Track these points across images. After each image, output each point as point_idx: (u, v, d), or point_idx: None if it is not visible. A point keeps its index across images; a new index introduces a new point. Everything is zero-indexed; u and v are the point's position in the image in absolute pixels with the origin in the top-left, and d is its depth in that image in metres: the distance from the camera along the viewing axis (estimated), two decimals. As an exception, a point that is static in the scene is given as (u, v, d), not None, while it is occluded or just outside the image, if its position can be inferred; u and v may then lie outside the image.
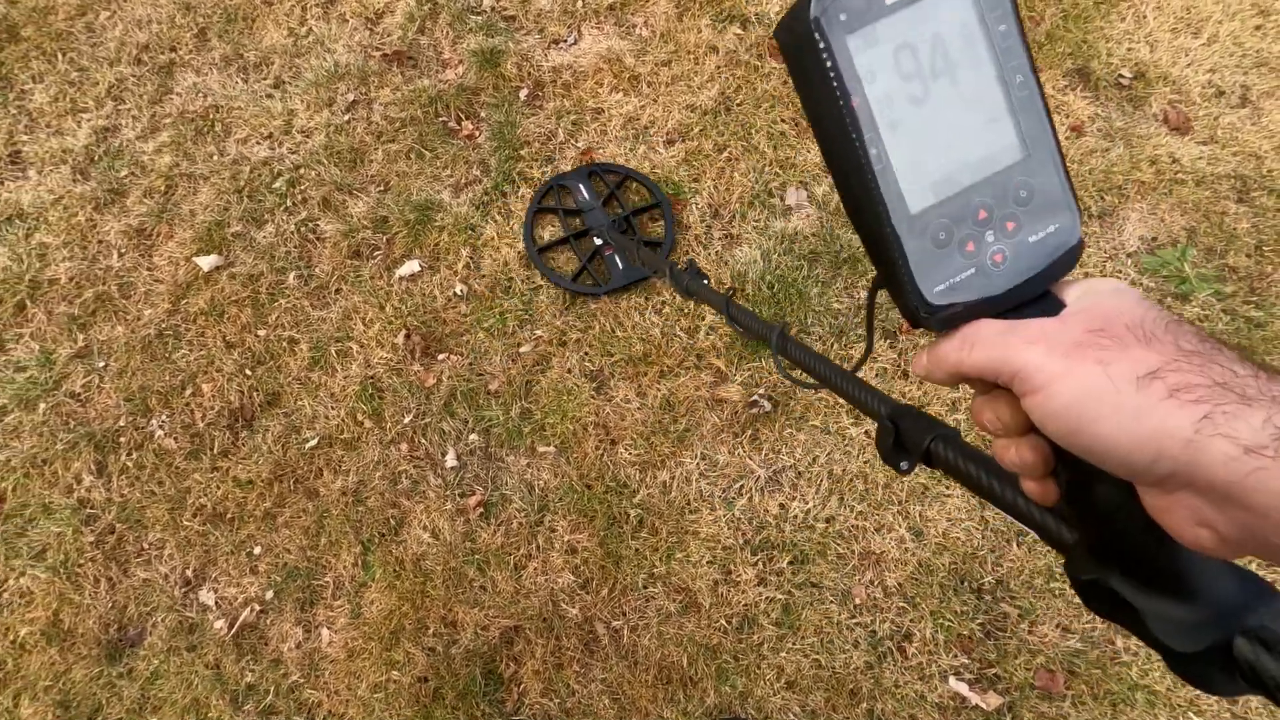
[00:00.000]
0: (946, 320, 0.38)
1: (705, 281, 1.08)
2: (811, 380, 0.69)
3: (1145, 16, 2.09)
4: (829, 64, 0.35)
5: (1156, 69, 2.02)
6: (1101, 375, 0.31)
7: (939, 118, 0.37)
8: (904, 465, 0.50)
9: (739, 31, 2.13)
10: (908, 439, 0.49)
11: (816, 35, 0.35)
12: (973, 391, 0.39)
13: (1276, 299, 1.75)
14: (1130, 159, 1.91)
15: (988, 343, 0.35)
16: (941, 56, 0.36)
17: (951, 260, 0.38)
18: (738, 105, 2.03)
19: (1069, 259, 0.38)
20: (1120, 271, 1.81)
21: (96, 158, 1.99)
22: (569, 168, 1.95)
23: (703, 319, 1.79)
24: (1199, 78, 2.00)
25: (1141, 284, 1.79)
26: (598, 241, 1.84)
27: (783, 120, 2.00)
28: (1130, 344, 0.31)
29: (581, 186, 1.90)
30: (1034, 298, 0.38)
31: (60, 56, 2.12)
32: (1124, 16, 2.09)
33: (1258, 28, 2.05)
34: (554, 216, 1.91)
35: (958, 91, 0.37)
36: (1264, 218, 1.83)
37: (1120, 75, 2.02)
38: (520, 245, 1.87)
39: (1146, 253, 1.83)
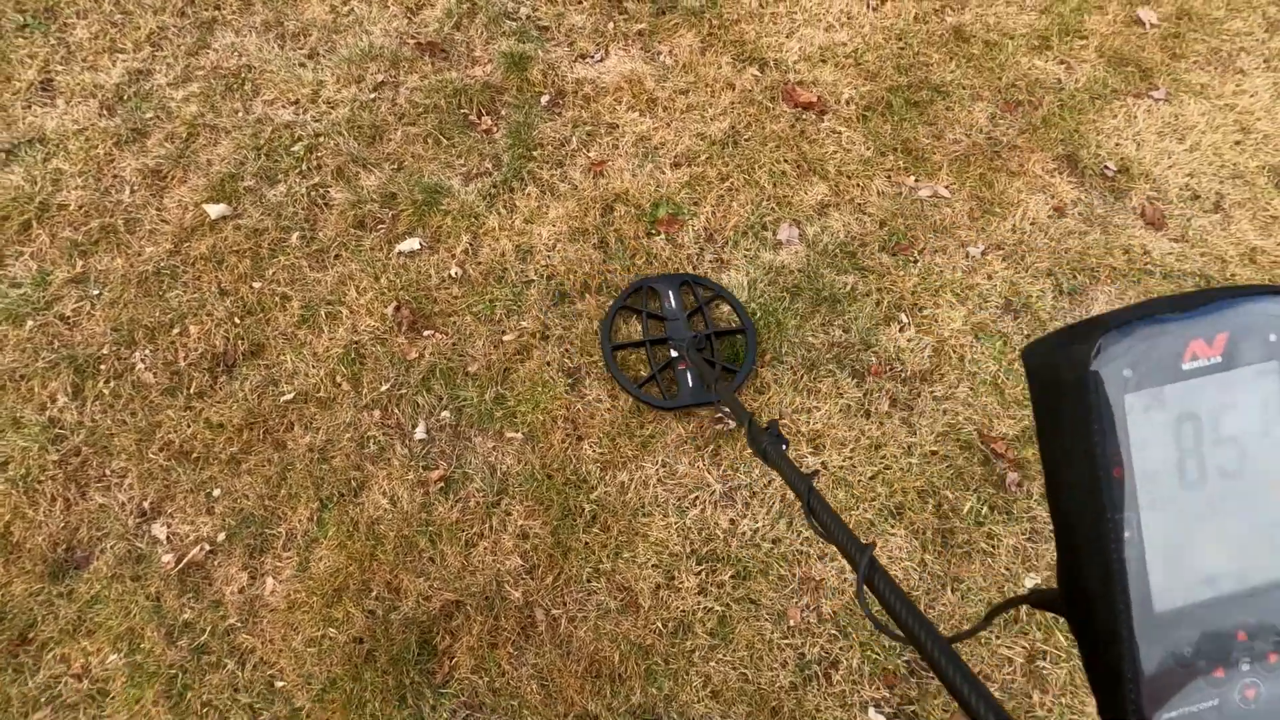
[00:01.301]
0: None
1: (785, 448, 0.97)
2: (897, 631, 0.55)
3: (1135, 117, 2.22)
4: (1095, 423, 0.30)
5: (1140, 166, 2.14)
6: None
7: (1212, 507, 0.31)
8: None
9: (756, 73, 2.24)
10: None
11: (1090, 386, 0.30)
12: None
13: (1224, 393, 1.84)
14: (1105, 244, 2.02)
15: None
16: (1230, 438, 0.31)
17: (1191, 684, 0.31)
18: (745, 140, 2.13)
19: None
20: (1082, 347, 1.90)
21: (125, 97, 2.05)
22: (658, 270, 1.91)
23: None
24: (1178, 180, 2.13)
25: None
26: (673, 354, 1.78)
27: (785, 161, 2.10)
28: None
29: (670, 294, 1.85)
30: None
31: (108, -2, 2.20)
32: (1116, 114, 2.22)
33: (1237, 143, 2.19)
34: (635, 317, 1.86)
35: (1242, 482, 0.31)
36: (1222, 317, 1.94)
37: (1106, 166, 2.14)
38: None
39: (1109, 333, 1.92)
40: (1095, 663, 0.33)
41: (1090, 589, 0.32)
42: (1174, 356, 0.31)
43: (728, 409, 1.39)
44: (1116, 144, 2.18)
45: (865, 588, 0.60)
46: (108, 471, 1.66)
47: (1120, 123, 2.22)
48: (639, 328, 1.86)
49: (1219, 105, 2.25)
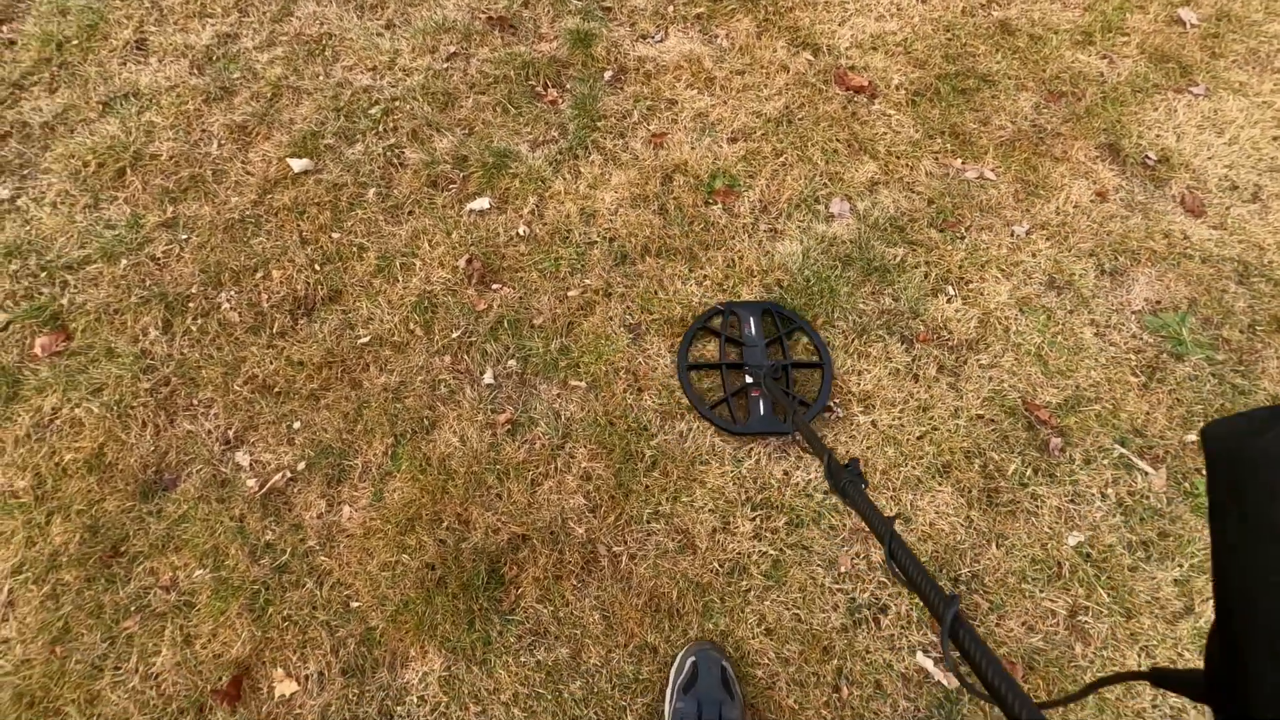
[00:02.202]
0: None
1: (865, 487, 0.92)
2: (981, 690, 0.52)
3: (1176, 110, 2.30)
4: None
5: (1180, 156, 2.22)
6: None
7: None
8: None
9: (810, 57, 2.34)
10: None
11: None
12: None
13: (1262, 373, 1.90)
14: (1146, 229, 2.09)
15: None
16: None
17: None
18: (799, 120, 2.22)
19: None
20: (1123, 325, 1.97)
21: (214, 58, 2.17)
22: (744, 295, 1.92)
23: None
24: (1217, 170, 2.20)
25: (1141, 338, 1.94)
26: (748, 380, 1.80)
27: (837, 140, 2.19)
28: None
29: (751, 320, 1.86)
30: None
31: (198, -34, 2.32)
32: (1157, 107, 2.30)
33: (1275, 138, 2.26)
34: (713, 339, 1.89)
35: None
36: (1260, 301, 2.00)
37: (1146, 156, 2.22)
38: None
39: (1149, 313, 1.99)
40: None
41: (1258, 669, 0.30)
42: None
43: (804, 441, 1.34)
44: (1157, 135, 2.26)
45: (950, 641, 0.57)
46: (195, 401, 1.75)
47: (1161, 115, 2.29)
48: (718, 356, 1.85)
49: (1257, 102, 2.32)
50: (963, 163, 2.20)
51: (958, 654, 0.55)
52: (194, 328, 1.82)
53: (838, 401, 1.83)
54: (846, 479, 0.94)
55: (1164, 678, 0.34)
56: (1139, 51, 2.40)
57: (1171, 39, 2.42)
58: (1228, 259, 2.07)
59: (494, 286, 1.92)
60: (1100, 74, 2.36)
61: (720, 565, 1.65)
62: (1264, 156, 2.23)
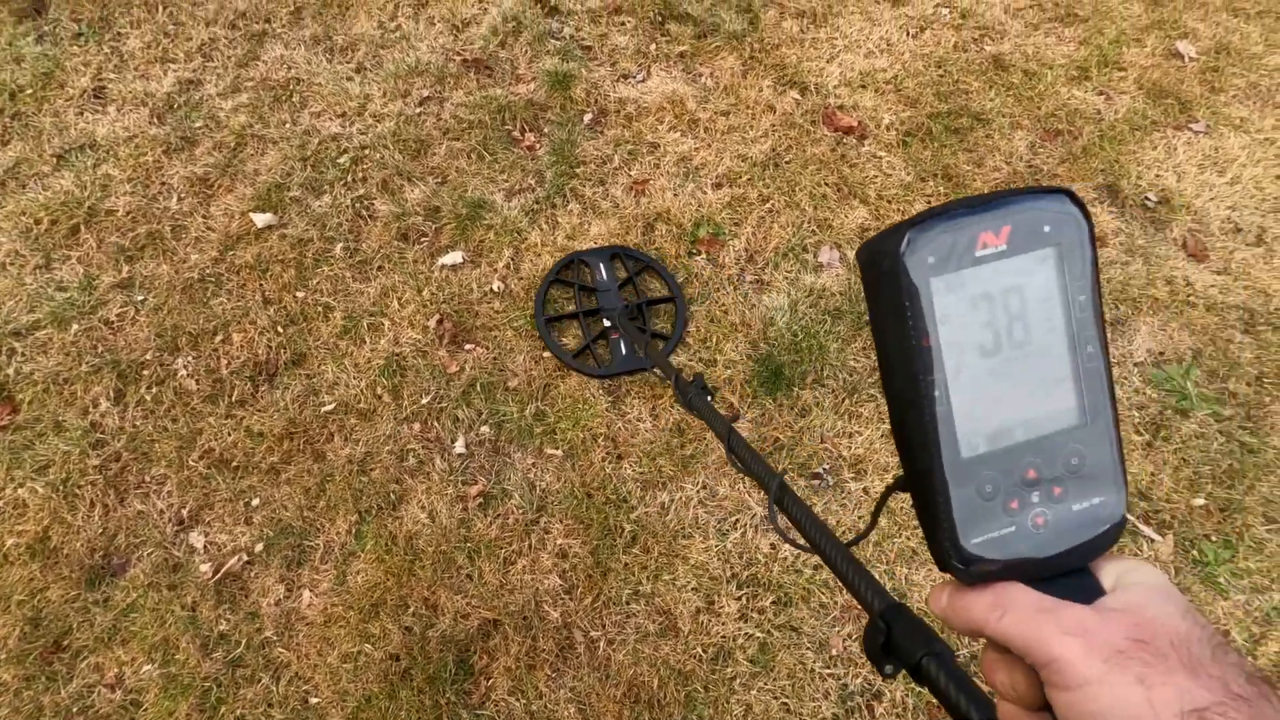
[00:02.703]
0: (978, 575, 0.37)
1: (710, 399, 1.08)
2: (805, 543, 0.64)
3: (1176, 149, 2.22)
4: (907, 302, 0.36)
5: (1181, 198, 2.14)
6: (1142, 697, 0.30)
7: (1005, 370, 0.37)
8: (889, 669, 0.46)
9: (797, 96, 2.26)
10: (898, 645, 0.46)
11: (901, 271, 0.36)
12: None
13: (1271, 429, 1.82)
14: (1147, 275, 2.01)
15: (1022, 617, 0.35)
16: (1018, 313, 0.37)
17: (994, 514, 0.37)
18: (786, 163, 2.14)
19: (1110, 536, 0.38)
20: (1126, 379, 1.88)
21: (175, 106, 2.08)
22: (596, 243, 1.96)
23: (722, 353, 1.85)
24: (1219, 212, 2.12)
25: (1145, 393, 1.86)
26: (606, 324, 1.84)
27: (825, 184, 2.10)
28: (1175, 667, 0.30)
29: (601, 266, 1.91)
30: (1070, 570, 0.38)
31: (161, 8, 2.24)
32: (1156, 145, 2.22)
33: (1278, 177, 2.18)
34: (568, 290, 1.91)
35: (1028, 349, 0.37)
36: (1267, 351, 1.92)
37: (1146, 197, 2.14)
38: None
39: (1153, 365, 1.91)
40: (921, 508, 0.39)
41: (911, 438, 0.38)
42: (968, 246, 0.36)
43: (658, 370, 1.47)
44: (1157, 175, 2.18)
45: (776, 509, 0.69)
46: (147, 478, 1.65)
47: (1160, 154, 2.21)
48: (574, 306, 1.89)
49: (1259, 139, 2.25)
50: (956, 207, 2.11)
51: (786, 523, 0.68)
52: (148, 397, 1.72)
53: (828, 468, 1.74)
54: (693, 392, 1.08)
55: (901, 483, 0.42)
56: (1137, 87, 2.32)
57: (1170, 73, 2.35)
58: (1232, 307, 1.98)
59: (466, 347, 1.83)
60: (1097, 111, 2.28)
61: (704, 650, 1.55)
62: (1267, 196, 2.15)
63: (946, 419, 0.37)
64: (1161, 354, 1.93)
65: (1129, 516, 1.76)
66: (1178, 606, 0.33)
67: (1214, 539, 1.70)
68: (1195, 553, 1.69)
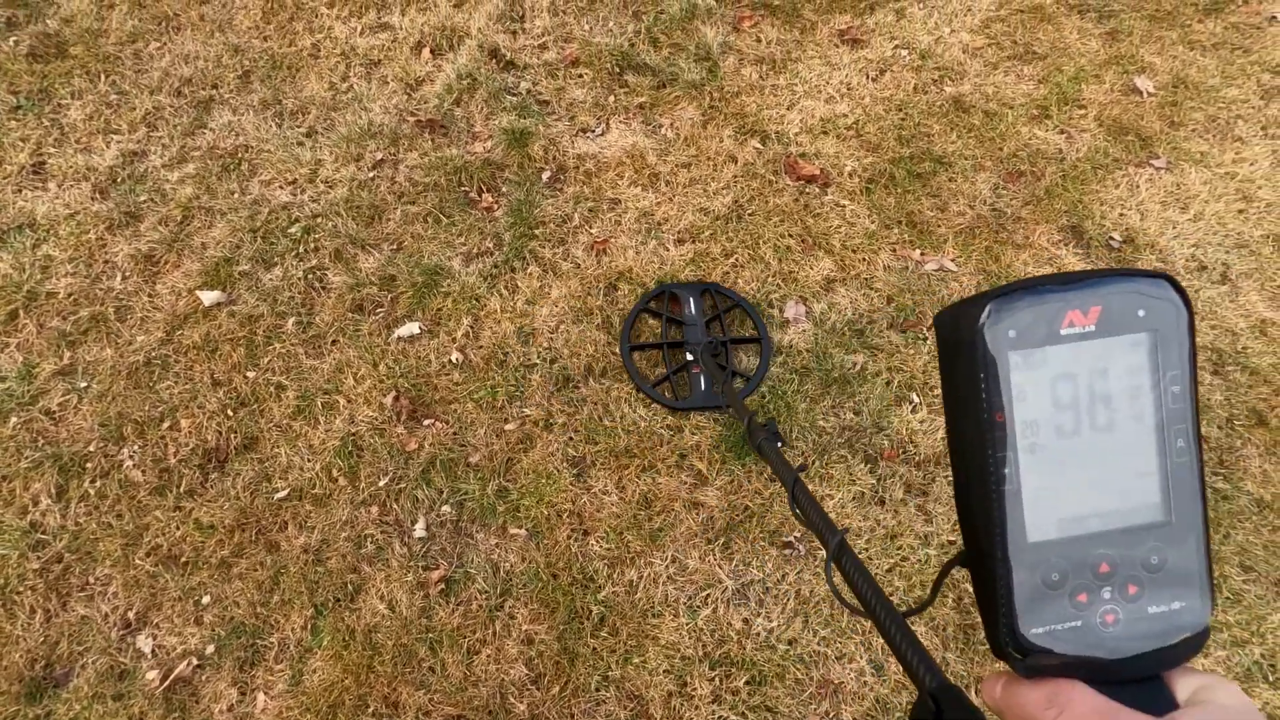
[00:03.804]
0: (1036, 667, 0.35)
1: (780, 446, 1.08)
2: (859, 606, 0.62)
3: (1138, 186, 2.22)
4: (983, 374, 0.35)
5: (1145, 236, 2.13)
6: None
7: (1084, 454, 0.36)
8: None
9: (759, 146, 2.23)
10: None
11: (980, 342, 0.35)
12: None
13: (1244, 475, 1.80)
14: (1115, 318, 1.99)
15: (1078, 718, 0.32)
16: (1103, 397, 0.35)
17: (1059, 605, 0.35)
18: (749, 215, 2.11)
19: (1189, 646, 0.35)
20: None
21: (119, 179, 2.02)
22: (683, 277, 1.98)
23: (689, 418, 1.81)
24: (1184, 250, 2.11)
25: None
26: (689, 357, 1.84)
27: (789, 236, 2.08)
28: None
29: (691, 300, 1.92)
30: (1140, 678, 0.35)
31: (103, 78, 2.18)
32: (1118, 184, 2.22)
33: (1240, 211, 2.19)
34: (655, 320, 1.92)
35: (1111, 435, 0.36)
36: (1236, 392, 1.90)
37: (1111, 237, 2.13)
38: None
39: (1124, 411, 1.88)
40: (980, 589, 0.37)
41: (975, 519, 0.36)
42: (1053, 323, 0.35)
43: (733, 413, 1.46)
44: (1120, 214, 2.17)
45: (834, 567, 0.67)
46: (91, 580, 1.58)
47: (1123, 192, 2.21)
48: (660, 336, 1.90)
49: (1220, 174, 2.25)
50: (921, 253, 2.09)
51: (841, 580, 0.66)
52: (92, 492, 1.65)
53: (799, 536, 1.70)
54: (764, 437, 1.08)
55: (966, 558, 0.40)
56: (1097, 124, 2.32)
57: (1129, 109, 2.35)
58: (1202, 348, 1.97)
59: (425, 422, 1.78)
60: (1059, 150, 2.27)
61: (677, 738, 1.50)
62: (1230, 232, 2.15)
63: (1015, 499, 0.35)
64: (1132, 399, 1.91)
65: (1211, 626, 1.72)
66: None
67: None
68: (1174, 607, 1.66)
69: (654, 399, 1.79)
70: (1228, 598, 1.66)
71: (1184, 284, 2.05)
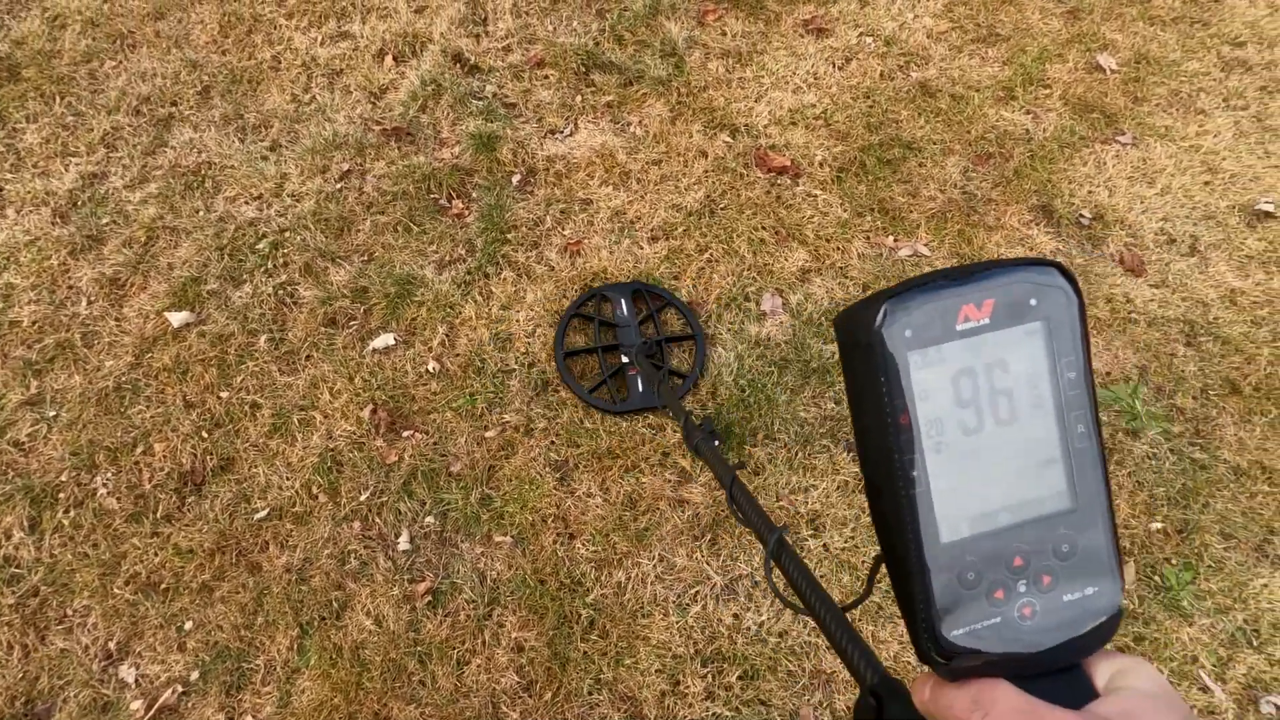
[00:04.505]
0: (959, 670, 0.35)
1: (716, 445, 1.08)
2: (798, 604, 0.61)
3: (1105, 163, 2.24)
4: (883, 377, 0.34)
5: (1114, 212, 2.15)
6: None
7: (989, 450, 0.35)
8: None
9: (728, 140, 2.23)
10: None
11: (877, 344, 0.34)
12: None
13: (1221, 443, 1.82)
14: (1088, 294, 2.01)
15: (1001, 718, 0.32)
16: (1003, 390, 0.35)
17: (978, 604, 0.35)
18: (722, 209, 2.11)
19: (1105, 630, 0.36)
20: (1075, 403, 1.87)
21: (80, 203, 1.98)
22: (613, 279, 1.96)
23: (668, 416, 1.80)
24: (1153, 224, 2.13)
25: (1095, 417, 1.85)
26: (624, 360, 1.83)
27: (763, 228, 2.08)
28: None
29: (623, 301, 1.91)
30: (1062, 668, 0.35)
31: (58, 100, 2.14)
32: (1086, 161, 2.24)
33: (1206, 183, 2.21)
34: (588, 324, 1.91)
35: (1014, 427, 0.35)
36: (1209, 362, 1.93)
37: (1081, 215, 2.15)
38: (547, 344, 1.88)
39: (1101, 387, 1.90)
40: (900, 594, 0.36)
41: (887, 520, 0.36)
42: (948, 319, 0.34)
43: (670, 413, 1.46)
44: (1089, 191, 2.19)
45: (773, 564, 0.66)
46: (69, 611, 1.55)
47: (1091, 170, 2.23)
48: (593, 341, 1.88)
49: (1184, 147, 2.27)
50: (895, 240, 2.10)
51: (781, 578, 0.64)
52: (66, 522, 1.62)
53: (785, 526, 1.70)
54: (700, 437, 1.08)
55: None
56: (1062, 103, 2.34)
57: (1093, 87, 2.37)
58: (1173, 320, 1.99)
59: (404, 433, 1.76)
60: (1026, 131, 2.29)
61: (672, 737, 1.50)
62: (1197, 204, 2.18)
63: (925, 501, 0.35)
64: (1108, 374, 1.93)
65: (1125, 607, 1.74)
66: (1175, 717, 0.31)
67: (1174, 562, 1.70)
68: (1157, 579, 1.68)
69: (594, 405, 1.78)
70: (1209, 566, 1.68)
71: (1154, 258, 2.08)
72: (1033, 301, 0.35)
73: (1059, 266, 0.35)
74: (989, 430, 0.35)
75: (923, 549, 0.35)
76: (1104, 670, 0.35)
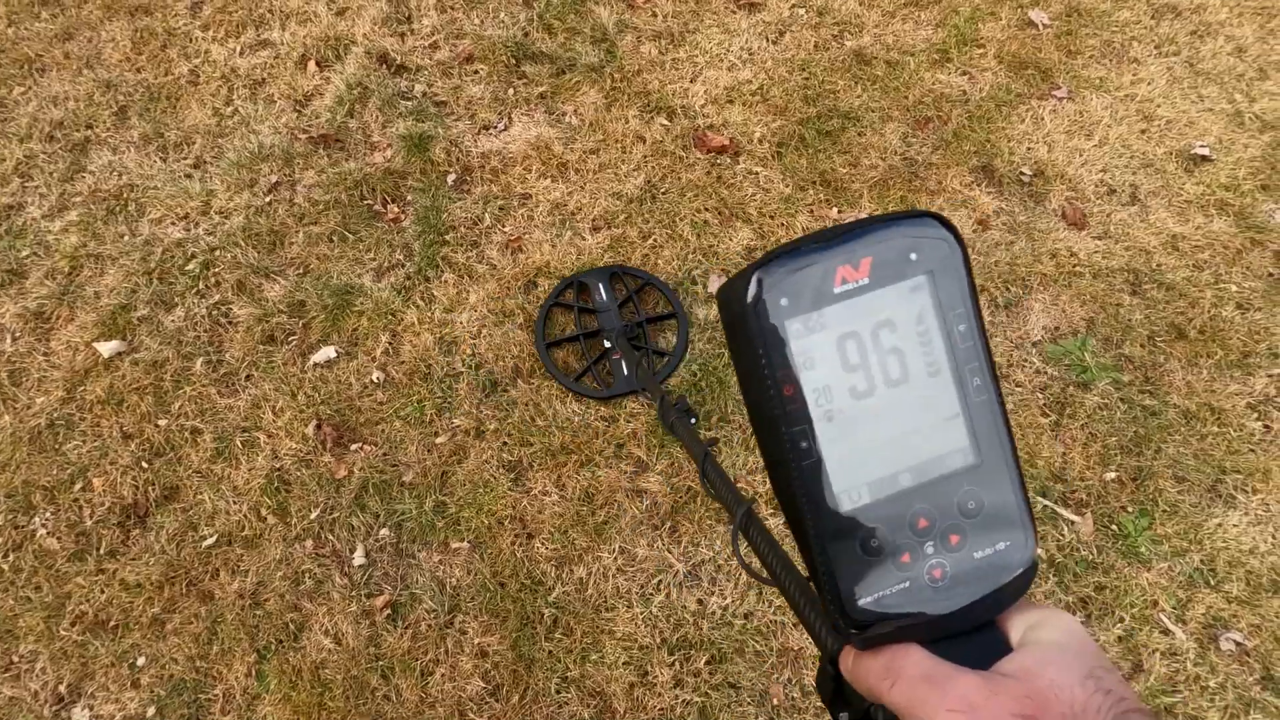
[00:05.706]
0: (872, 639, 0.34)
1: (692, 422, 1.07)
2: (765, 575, 0.60)
3: (1042, 119, 2.24)
4: (761, 349, 0.33)
5: (1054, 167, 2.15)
6: None
7: (883, 413, 0.34)
8: (843, 716, 0.42)
9: (665, 123, 2.20)
10: (851, 693, 0.41)
11: (751, 316, 0.33)
12: None
13: (1169, 389, 1.84)
14: (1032, 252, 2.02)
15: (909, 688, 0.31)
16: (892, 349, 0.34)
17: (884, 570, 0.34)
18: (663, 194, 2.08)
19: (1019, 584, 0.35)
20: (1025, 361, 1.88)
21: (-3, 236, 1.91)
22: (591, 265, 1.94)
23: (623, 406, 1.79)
24: (1092, 177, 2.14)
25: (1046, 372, 1.86)
26: (607, 344, 1.82)
27: (706, 210, 2.06)
28: None
29: (601, 286, 1.89)
30: (979, 626, 0.34)
31: (-33, 131, 2.06)
32: (1023, 119, 2.24)
33: (1143, 131, 2.22)
34: (569, 312, 1.88)
35: (907, 388, 0.34)
36: (1155, 310, 1.94)
37: (1021, 173, 2.15)
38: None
39: (1050, 341, 1.91)
40: (809, 565, 0.35)
41: (786, 498, 0.35)
42: (824, 282, 0.33)
43: (647, 393, 1.44)
44: (1028, 148, 2.19)
45: (741, 536, 0.66)
46: (15, 658, 1.51)
47: (1029, 126, 2.23)
48: (575, 328, 1.86)
49: (1120, 97, 2.28)
50: (839, 211, 2.09)
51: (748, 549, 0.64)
52: (5, 567, 1.57)
53: (755, 498, 1.69)
54: (675, 415, 1.07)
55: None
56: (997, 62, 2.33)
57: (1026, 44, 2.37)
58: (1118, 270, 2.00)
59: (353, 446, 1.73)
60: (963, 92, 2.28)
61: (643, 728, 1.49)
62: (1135, 154, 2.19)
63: (819, 471, 0.34)
64: (1057, 329, 1.94)
65: (1040, 555, 1.74)
66: (1081, 669, 0.30)
67: (1130, 510, 1.71)
68: (1114, 527, 1.70)
69: (580, 393, 1.77)
70: (1164, 510, 1.70)
71: (1095, 210, 2.09)
72: (913, 255, 0.34)
73: (937, 216, 0.34)
74: (881, 392, 0.34)
75: (821, 520, 0.34)
76: (1018, 625, 0.34)
